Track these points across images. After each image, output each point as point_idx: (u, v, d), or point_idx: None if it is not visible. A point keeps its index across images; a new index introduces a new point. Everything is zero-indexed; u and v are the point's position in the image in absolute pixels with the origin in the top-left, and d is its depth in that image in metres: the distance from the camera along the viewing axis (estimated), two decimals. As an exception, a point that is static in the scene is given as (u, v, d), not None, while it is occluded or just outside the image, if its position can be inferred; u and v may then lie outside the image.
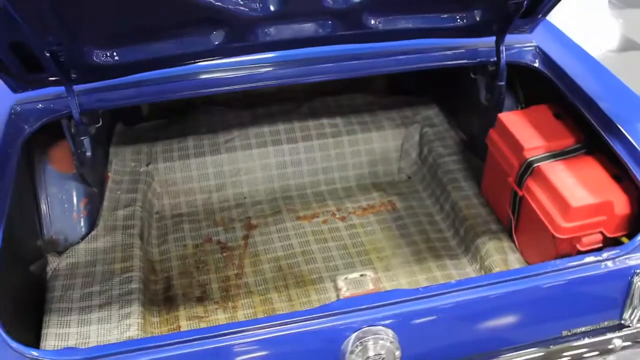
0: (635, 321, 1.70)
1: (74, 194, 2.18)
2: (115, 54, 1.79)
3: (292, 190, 2.60)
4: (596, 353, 1.74)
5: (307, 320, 1.50)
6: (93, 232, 2.19)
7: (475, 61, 2.21)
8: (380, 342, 1.49)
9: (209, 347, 1.47)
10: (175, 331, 1.99)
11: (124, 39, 1.77)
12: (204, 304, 2.11)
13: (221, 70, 2.06)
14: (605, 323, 1.72)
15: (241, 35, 1.83)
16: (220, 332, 1.48)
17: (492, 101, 2.31)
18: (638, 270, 1.65)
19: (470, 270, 2.20)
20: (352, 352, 1.49)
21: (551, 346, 1.71)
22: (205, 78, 2.06)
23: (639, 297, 1.66)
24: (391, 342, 1.50)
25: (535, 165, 1.98)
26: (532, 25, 2.11)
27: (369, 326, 1.49)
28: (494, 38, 2.11)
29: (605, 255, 1.66)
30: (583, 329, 1.72)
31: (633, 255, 1.66)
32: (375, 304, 1.52)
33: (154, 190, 2.51)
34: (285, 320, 1.50)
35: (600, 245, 1.85)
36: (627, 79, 2.16)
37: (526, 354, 1.70)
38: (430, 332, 1.57)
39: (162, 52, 1.83)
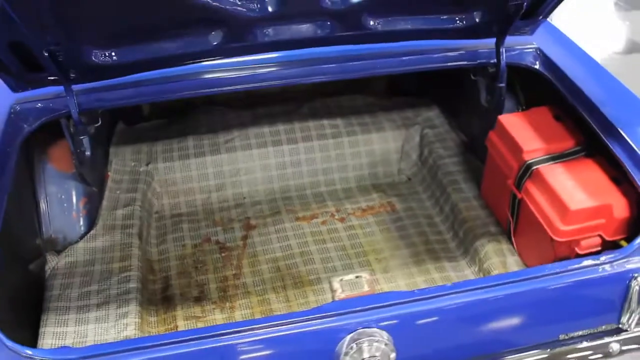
0: (632, 325, 1.69)
1: (73, 193, 2.19)
2: (113, 53, 1.79)
3: (291, 190, 2.60)
4: (594, 357, 1.73)
5: (302, 322, 1.50)
6: (92, 231, 2.19)
7: (475, 63, 2.20)
8: (375, 344, 1.48)
9: (205, 347, 1.47)
10: (173, 331, 1.99)
11: (122, 39, 1.77)
12: (201, 304, 2.11)
13: (221, 70, 2.06)
14: (603, 327, 1.71)
15: (240, 36, 1.83)
16: (216, 333, 1.48)
17: (492, 103, 2.30)
18: (636, 274, 1.64)
19: (469, 273, 2.19)
20: (346, 353, 1.49)
21: (548, 350, 1.70)
22: (205, 78, 2.06)
23: (636, 301, 1.65)
24: (386, 344, 1.49)
25: (534, 167, 1.97)
26: (533, 26, 2.10)
27: (363, 328, 1.49)
28: (494, 39, 2.10)
29: (603, 258, 1.65)
30: (580, 332, 1.71)
31: (631, 258, 1.65)
32: (370, 306, 1.51)
33: (153, 190, 2.51)
34: (281, 321, 1.50)
35: (599, 248, 1.84)
36: (633, 81, 2.15)
37: (523, 357, 1.70)
38: (425, 335, 1.57)
39: (160, 52, 1.83)
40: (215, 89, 2.07)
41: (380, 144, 2.68)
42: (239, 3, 1.70)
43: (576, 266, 1.64)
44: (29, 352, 1.44)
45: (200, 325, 2.03)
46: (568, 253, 1.88)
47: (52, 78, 1.82)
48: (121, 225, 2.24)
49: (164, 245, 2.36)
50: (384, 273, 2.21)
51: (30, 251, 2.04)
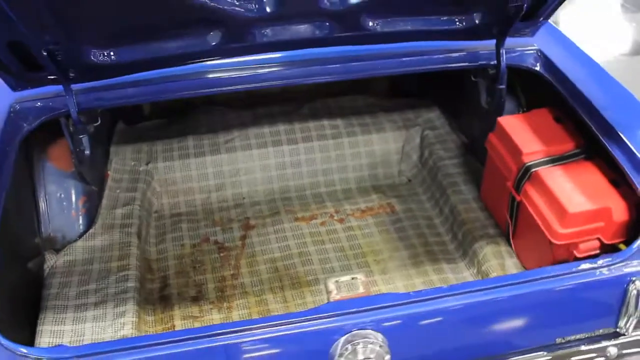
0: (630, 329, 1.68)
1: (73, 191, 2.19)
2: (112, 53, 1.80)
3: (291, 191, 2.60)
4: (591, 361, 1.73)
5: (297, 322, 1.49)
6: (91, 230, 2.20)
7: (476, 64, 2.19)
8: (370, 345, 1.48)
9: (202, 347, 1.47)
10: (170, 330, 1.99)
11: (121, 38, 1.77)
12: (199, 304, 2.12)
13: (221, 70, 2.06)
14: (601, 331, 1.70)
15: (238, 36, 1.83)
16: (213, 332, 1.48)
17: (492, 104, 2.29)
18: (634, 278, 1.63)
19: (467, 275, 2.19)
20: (341, 355, 1.48)
21: (545, 353, 1.69)
22: (205, 78, 2.06)
23: (634, 304, 1.63)
24: (381, 346, 1.49)
25: (534, 170, 1.96)
26: (534, 28, 2.09)
27: (358, 329, 1.49)
28: (494, 41, 2.09)
29: (600, 262, 1.64)
30: (578, 336, 1.70)
31: (629, 262, 1.64)
32: (365, 308, 1.51)
33: (153, 189, 2.52)
34: (276, 322, 1.50)
35: (598, 251, 1.83)
36: (638, 83, 2.13)
37: (520, 360, 1.69)
38: (420, 337, 1.56)
39: (159, 52, 1.83)
40: (216, 89, 2.07)
41: (380, 145, 2.67)
42: (237, 3, 1.70)
43: (574, 269, 1.64)
44: (23, 350, 1.44)
45: (197, 325, 2.03)
46: (566, 256, 1.87)
47: (52, 77, 1.83)
48: (120, 225, 2.24)
49: (162, 244, 2.37)
50: (382, 274, 2.21)
51: (29, 250, 2.05)
